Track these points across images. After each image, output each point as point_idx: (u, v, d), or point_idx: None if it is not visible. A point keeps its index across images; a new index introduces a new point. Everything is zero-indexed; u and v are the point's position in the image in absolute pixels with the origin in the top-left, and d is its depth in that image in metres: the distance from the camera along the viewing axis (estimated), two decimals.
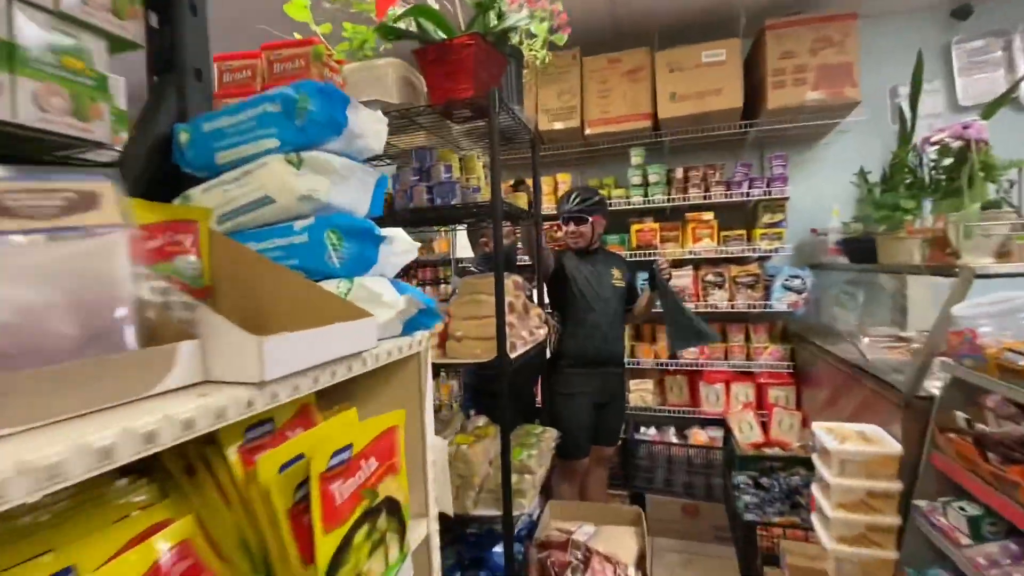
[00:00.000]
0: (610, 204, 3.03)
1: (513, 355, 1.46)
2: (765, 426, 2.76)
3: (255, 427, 0.47)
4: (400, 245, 0.68)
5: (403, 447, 0.55)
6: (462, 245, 3.28)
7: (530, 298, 2.28)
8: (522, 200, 1.75)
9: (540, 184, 1.88)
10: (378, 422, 0.52)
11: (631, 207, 3.01)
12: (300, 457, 0.43)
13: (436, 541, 0.69)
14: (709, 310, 2.86)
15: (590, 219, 2.39)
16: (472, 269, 2.54)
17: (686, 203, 2.91)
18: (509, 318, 1.50)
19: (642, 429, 3.06)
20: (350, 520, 0.44)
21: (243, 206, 0.58)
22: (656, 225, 2.99)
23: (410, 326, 0.66)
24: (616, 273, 2.46)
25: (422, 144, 1.75)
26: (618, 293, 2.43)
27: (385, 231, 0.67)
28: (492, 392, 2.32)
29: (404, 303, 0.61)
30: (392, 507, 0.50)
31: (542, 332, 1.76)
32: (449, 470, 1.48)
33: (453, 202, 1.45)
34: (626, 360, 2.93)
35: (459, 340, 1.49)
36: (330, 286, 0.57)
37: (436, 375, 3.27)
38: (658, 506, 2.82)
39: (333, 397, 0.70)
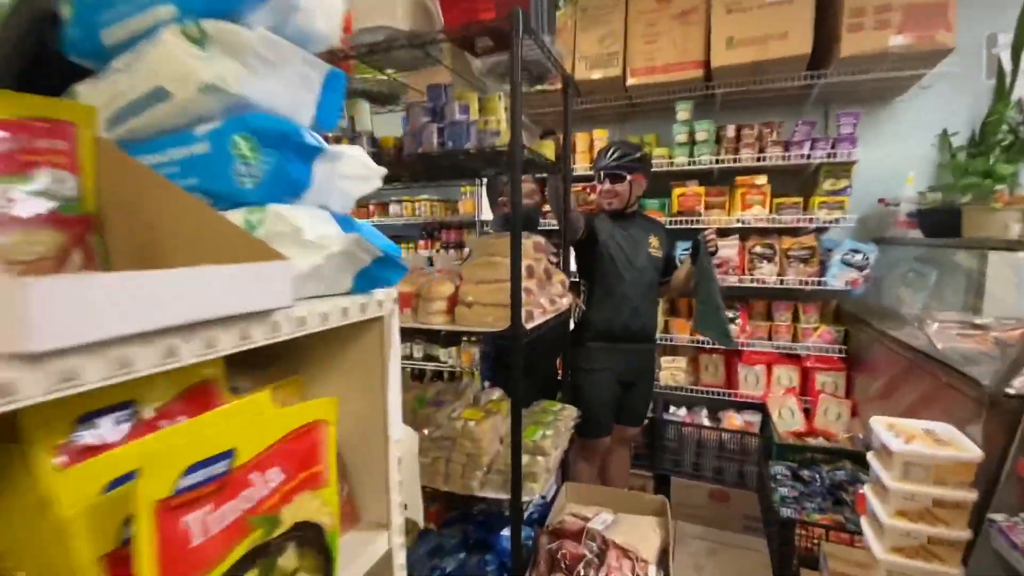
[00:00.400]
0: (651, 164, 2.77)
1: (529, 325, 1.29)
2: (808, 414, 2.53)
3: (97, 415, 0.31)
4: (351, 165, 0.50)
5: (332, 450, 0.39)
6: (488, 205, 3.08)
7: (555, 263, 2.09)
8: (549, 150, 1.54)
9: (571, 133, 1.66)
10: (290, 416, 0.36)
11: (674, 168, 2.73)
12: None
13: (401, 559, 0.54)
14: (755, 285, 2.60)
15: (628, 177, 2.15)
16: (491, 232, 2.35)
17: (736, 165, 2.61)
18: (526, 283, 1.32)
19: (672, 409, 2.87)
20: (220, 568, 0.29)
21: (132, 103, 0.41)
22: (701, 189, 2.71)
23: (365, 281, 0.49)
24: (653, 241, 2.23)
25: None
26: (654, 263, 2.21)
27: (334, 147, 0.49)
28: (508, 364, 2.18)
29: (343, 243, 0.43)
30: (308, 536, 0.35)
31: (565, 301, 1.58)
32: (455, 448, 1.34)
33: (467, 146, 1.25)
34: (658, 336, 2.72)
35: (469, 306, 1.32)
36: (237, 217, 0.40)
37: (456, 342, 3.13)
38: (684, 490, 2.65)
39: (283, 372, 0.55)
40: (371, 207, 3.55)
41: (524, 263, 1.35)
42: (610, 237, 2.16)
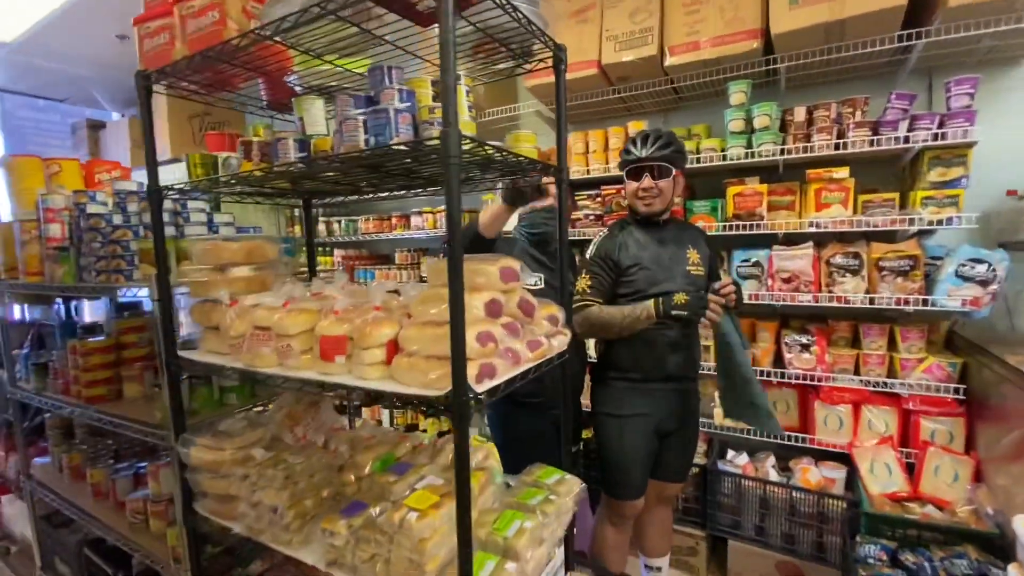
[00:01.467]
0: (699, 159, 2.31)
1: (488, 384, 0.93)
2: (912, 471, 1.96)
3: None
4: None
5: None
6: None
7: (549, 285, 1.71)
8: (527, 143, 1.17)
9: (564, 121, 1.28)
10: None
11: (728, 163, 2.25)
12: None
13: None
14: (834, 305, 2.06)
15: (674, 171, 1.74)
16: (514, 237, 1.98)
17: (808, 156, 2.09)
18: (487, 326, 0.97)
19: (730, 454, 2.37)
20: None
21: None
22: (763, 187, 2.21)
23: None
24: (693, 255, 1.78)
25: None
26: (695, 283, 1.76)
27: None
28: (528, 400, 1.82)
29: None
30: None
31: (559, 342, 1.20)
32: (393, 546, 1.01)
33: (392, 141, 0.92)
34: (710, 365, 2.26)
35: (410, 356, 0.99)
36: None
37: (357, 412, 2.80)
38: (744, 557, 2.16)
39: None
40: (394, 219, 3.33)
41: (484, 297, 1.00)
42: (641, 251, 1.74)
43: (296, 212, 3.81)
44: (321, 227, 3.66)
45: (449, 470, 1.28)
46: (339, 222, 3.58)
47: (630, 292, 1.72)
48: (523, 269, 1.08)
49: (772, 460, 2.32)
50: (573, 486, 1.26)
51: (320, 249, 3.74)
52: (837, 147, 2.03)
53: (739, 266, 2.31)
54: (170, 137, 3.17)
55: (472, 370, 0.88)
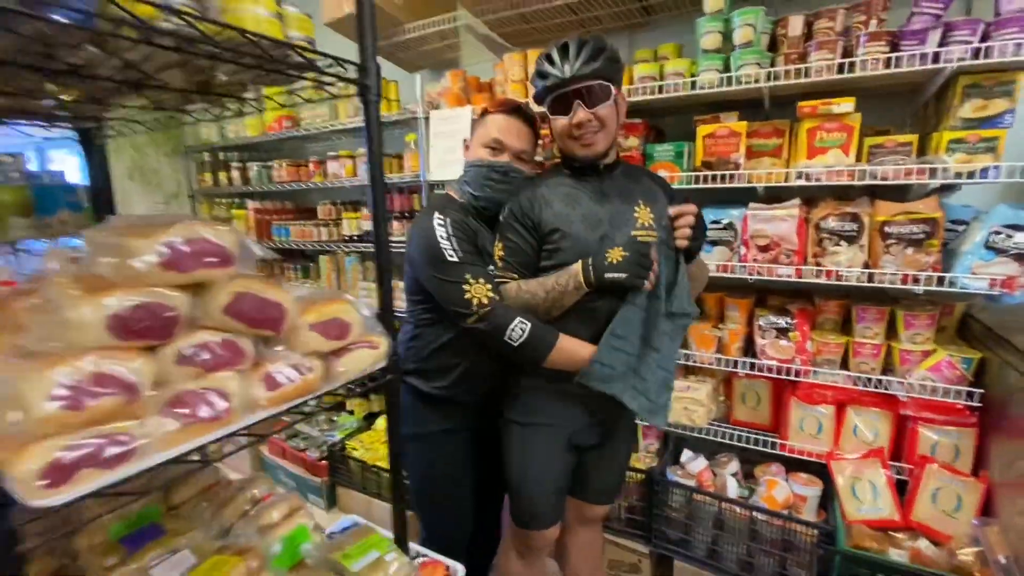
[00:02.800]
0: (662, 88, 1.78)
1: (106, 476, 0.47)
2: (903, 492, 1.56)
3: None
4: None
5: None
6: (439, 160, 2.21)
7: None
8: (254, 9, 0.66)
9: (379, 146, 0.77)
10: None
11: (699, 93, 1.72)
12: None
13: None
14: (823, 281, 1.60)
15: (614, 92, 1.22)
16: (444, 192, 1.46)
17: (803, 82, 1.57)
18: (105, 362, 0.50)
19: (685, 455, 1.97)
20: None
21: None
22: (741, 126, 1.70)
23: None
24: (643, 214, 1.29)
25: None
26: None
27: None
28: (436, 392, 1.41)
29: None
30: None
31: (348, 363, 0.74)
32: None
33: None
34: None
35: None
36: None
37: None
38: None
39: None
40: (311, 165, 2.79)
41: (111, 305, 0.52)
42: (565, 213, 1.25)
43: (207, 157, 3.26)
44: (235, 173, 3.12)
45: (224, 535, 0.85)
46: (252, 168, 3.04)
47: (551, 266, 1.25)
48: (250, 241, 0.60)
49: (735, 466, 1.92)
50: (402, 566, 0.83)
51: (228, 201, 3.22)
52: (841, 69, 1.51)
53: (708, 229, 1.82)
54: None
55: (30, 462, 0.43)
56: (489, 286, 1.20)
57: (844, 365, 1.71)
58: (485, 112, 1.35)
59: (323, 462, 2.48)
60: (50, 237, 1.24)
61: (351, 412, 2.91)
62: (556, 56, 1.20)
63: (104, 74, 0.72)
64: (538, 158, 2.02)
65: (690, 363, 1.90)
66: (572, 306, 1.22)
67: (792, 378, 1.72)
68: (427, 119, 2.26)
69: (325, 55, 0.71)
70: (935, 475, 1.51)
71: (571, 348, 1.20)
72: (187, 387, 0.56)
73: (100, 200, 1.28)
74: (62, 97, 0.81)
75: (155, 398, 0.53)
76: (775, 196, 1.72)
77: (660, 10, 1.99)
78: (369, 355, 0.77)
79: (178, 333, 0.56)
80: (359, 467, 2.36)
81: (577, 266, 1.17)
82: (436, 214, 1.27)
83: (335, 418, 2.85)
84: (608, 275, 1.14)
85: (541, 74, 1.23)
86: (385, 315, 0.84)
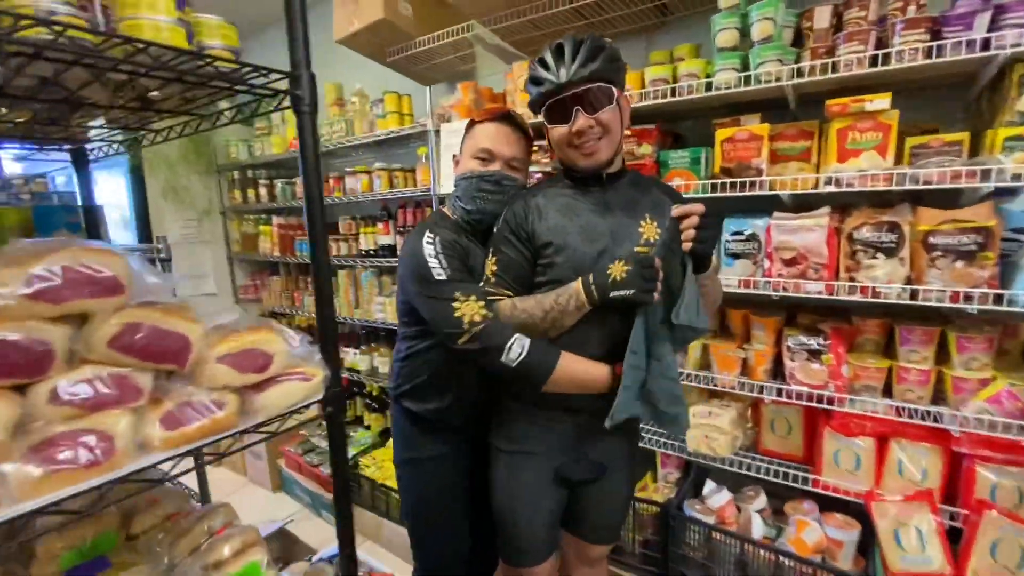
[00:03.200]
0: (675, 90, 1.66)
1: None
2: (955, 540, 1.36)
3: None
4: None
5: None
6: (449, 173, 2.16)
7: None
8: (152, 15, 0.61)
9: (315, 162, 0.70)
10: None
11: (715, 94, 1.59)
12: None
13: None
14: (858, 299, 1.42)
15: (615, 94, 1.12)
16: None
17: (832, 77, 1.42)
18: None
19: (707, 487, 1.81)
20: None
21: None
22: (762, 129, 1.56)
23: None
24: (649, 229, 1.18)
25: None
26: None
27: None
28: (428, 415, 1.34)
29: None
30: None
31: (271, 398, 0.67)
32: None
33: None
34: (688, 372, 1.71)
35: None
36: None
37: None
38: None
39: None
40: (331, 181, 2.81)
41: None
42: (562, 225, 1.15)
43: (236, 175, 3.36)
44: (263, 190, 3.20)
45: (170, 572, 0.80)
46: (277, 185, 3.10)
47: (545, 282, 1.16)
48: (139, 259, 0.55)
49: (762, 501, 1.74)
50: None
51: (256, 217, 3.29)
52: (875, 62, 1.35)
53: (728, 240, 1.68)
54: None
55: None
56: (482, 303, 1.11)
57: (887, 393, 1.52)
58: (472, 123, 1.28)
59: None
60: None
61: (368, 427, 2.88)
62: (550, 59, 1.11)
63: (23, 94, 0.69)
64: (545, 169, 1.94)
65: (712, 386, 1.75)
66: (576, 323, 1.12)
67: (826, 406, 1.55)
68: (438, 132, 2.22)
69: (244, 64, 0.66)
70: (995, 523, 1.30)
71: (577, 369, 1.10)
72: (59, 429, 0.51)
73: (91, 220, 1.29)
74: (17, 119, 0.81)
75: (16, 443, 0.48)
76: (804, 205, 1.57)
77: (677, 9, 1.88)
78: (299, 388, 0.71)
79: (54, 369, 0.52)
80: (369, 486, 2.32)
81: (577, 284, 1.08)
82: (426, 232, 1.21)
83: (352, 433, 2.83)
84: (614, 293, 1.04)
85: (535, 80, 1.14)
86: (327, 342, 0.77)
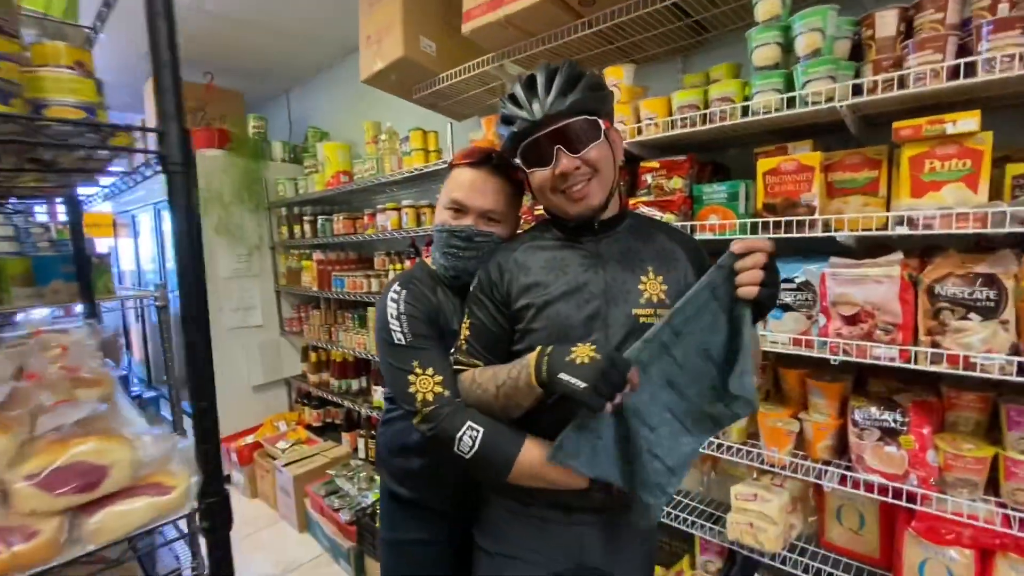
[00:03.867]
0: (707, 116, 1.45)
1: None
2: None
3: None
4: None
5: None
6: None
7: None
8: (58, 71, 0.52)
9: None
10: None
11: (757, 119, 1.36)
12: None
13: None
14: (944, 369, 1.11)
15: (602, 125, 0.94)
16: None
17: (900, 94, 1.15)
18: None
19: None
20: None
21: None
22: (814, 157, 1.30)
23: None
24: (653, 286, 0.97)
25: None
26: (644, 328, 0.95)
27: None
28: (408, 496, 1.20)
29: None
30: None
31: (95, 524, 0.55)
32: None
33: None
34: (731, 443, 1.46)
35: None
36: None
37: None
38: None
39: None
40: (366, 218, 2.80)
41: None
42: (542, 282, 0.97)
43: (284, 212, 3.47)
44: (307, 226, 3.27)
45: None
46: (319, 221, 3.15)
47: (524, 350, 0.98)
48: None
49: None
50: None
51: (300, 252, 3.36)
52: (957, 74, 1.08)
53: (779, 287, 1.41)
54: None
55: None
56: (439, 378, 0.96)
57: (994, 491, 1.17)
58: (451, 165, 1.14)
59: (352, 526, 2.35)
60: (45, 305, 1.27)
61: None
62: (521, 94, 0.95)
63: None
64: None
65: (758, 463, 1.46)
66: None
67: (905, 504, 1.22)
68: None
69: (98, 125, 0.56)
70: None
71: (543, 462, 0.91)
72: None
73: (81, 270, 1.29)
74: None
75: None
76: (871, 250, 1.28)
77: (714, 26, 1.67)
78: (148, 507, 0.57)
79: None
80: None
81: (532, 354, 0.89)
82: (394, 286, 1.08)
83: (376, 476, 2.73)
84: (561, 376, 0.83)
85: (506, 119, 0.98)
86: (206, 434, 0.64)
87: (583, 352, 0.83)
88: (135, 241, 4.10)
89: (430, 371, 0.96)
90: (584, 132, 0.92)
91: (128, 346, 4.40)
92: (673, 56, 1.87)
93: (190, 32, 2.81)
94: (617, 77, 1.62)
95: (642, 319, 0.94)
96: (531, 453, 0.90)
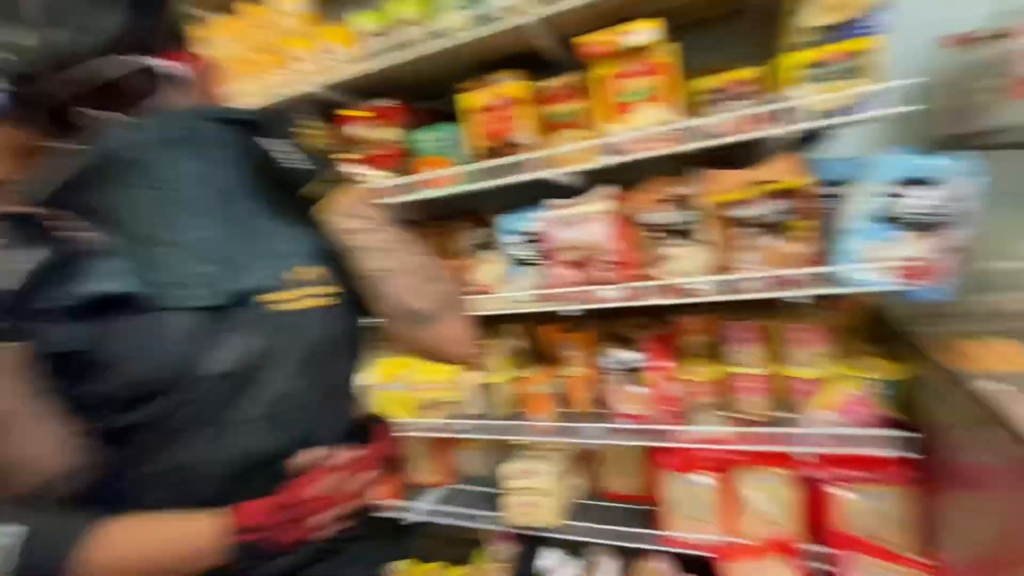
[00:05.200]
0: (404, 48, 1.20)
1: None
2: None
3: None
4: None
5: None
6: None
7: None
8: None
9: None
10: None
11: (444, 45, 1.14)
12: None
13: None
14: (671, 301, 1.05)
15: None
16: None
17: (581, 3, 1.02)
18: None
19: (539, 564, 1.40)
20: None
21: None
22: (519, 88, 1.14)
23: None
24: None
25: None
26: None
27: None
28: None
29: None
30: None
31: None
32: None
33: None
34: (492, 422, 1.28)
35: None
36: None
37: None
38: None
39: None
40: None
41: None
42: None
43: None
44: None
45: None
46: None
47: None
48: None
49: (609, 567, 1.36)
50: None
51: None
52: None
53: (510, 246, 1.26)
54: None
55: None
56: None
57: (729, 407, 1.18)
58: None
59: None
60: None
61: None
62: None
63: None
64: None
65: (521, 436, 1.33)
66: None
67: (651, 443, 1.18)
68: None
69: None
70: (866, 567, 1.00)
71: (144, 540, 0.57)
72: None
73: None
74: None
75: None
76: (565, 191, 1.18)
77: None
78: None
79: None
80: None
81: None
82: None
83: None
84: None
85: None
86: None
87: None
88: None
89: None
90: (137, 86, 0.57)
91: None
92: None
93: None
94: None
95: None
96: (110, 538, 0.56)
